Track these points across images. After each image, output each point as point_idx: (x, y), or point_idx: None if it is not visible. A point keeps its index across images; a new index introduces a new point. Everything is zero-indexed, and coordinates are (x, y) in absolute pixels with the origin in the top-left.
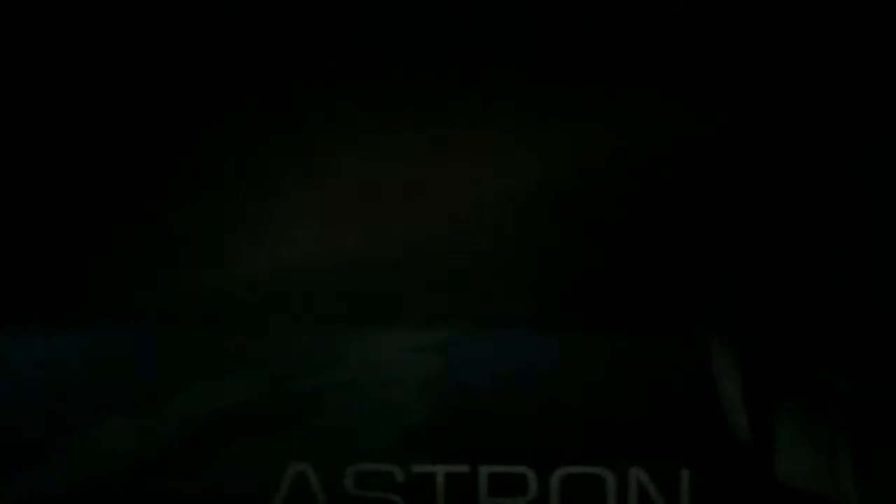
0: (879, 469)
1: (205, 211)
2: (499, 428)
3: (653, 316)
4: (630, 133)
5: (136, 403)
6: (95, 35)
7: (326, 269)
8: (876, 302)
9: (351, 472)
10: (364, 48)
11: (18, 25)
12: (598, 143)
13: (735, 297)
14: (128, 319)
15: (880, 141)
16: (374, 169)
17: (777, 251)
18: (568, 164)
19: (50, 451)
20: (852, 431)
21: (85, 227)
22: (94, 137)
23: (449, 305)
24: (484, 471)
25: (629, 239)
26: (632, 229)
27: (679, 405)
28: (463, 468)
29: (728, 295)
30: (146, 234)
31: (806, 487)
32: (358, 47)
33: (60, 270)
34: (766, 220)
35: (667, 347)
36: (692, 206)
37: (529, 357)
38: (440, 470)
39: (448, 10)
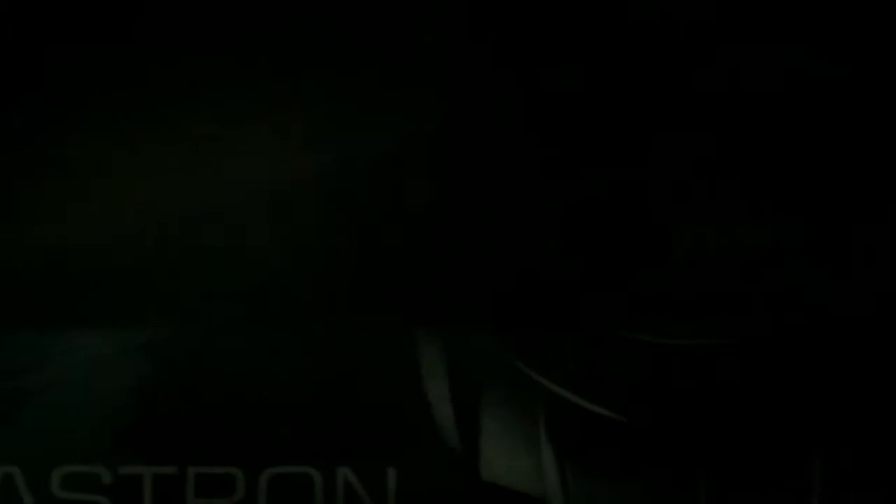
0: (580, 464)
1: None
2: (207, 429)
3: (361, 314)
4: (357, 133)
5: None
6: None
7: (37, 268)
8: (577, 300)
9: (58, 474)
10: None
11: None
12: (321, 145)
13: (441, 295)
14: None
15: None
16: (93, 164)
17: (483, 250)
18: (290, 165)
19: None
20: (553, 428)
21: None
22: None
23: (159, 306)
24: (192, 471)
25: (343, 237)
26: (347, 227)
27: (386, 404)
28: (171, 469)
29: (434, 293)
30: None
31: (511, 485)
32: None
33: None
34: (475, 221)
35: (374, 345)
36: (410, 206)
37: (238, 357)
38: (148, 471)
39: None
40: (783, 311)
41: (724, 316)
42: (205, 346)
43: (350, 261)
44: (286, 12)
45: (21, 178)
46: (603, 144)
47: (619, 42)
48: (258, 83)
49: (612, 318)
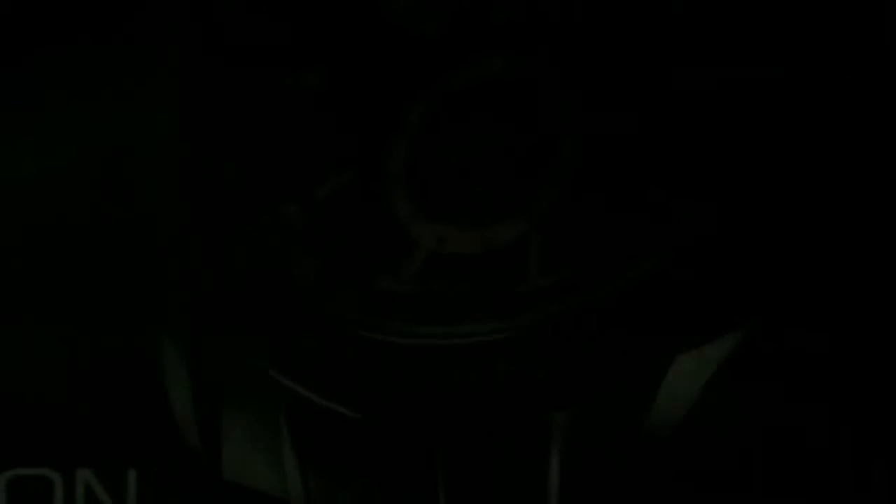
0: (322, 464)
1: None
2: None
3: (100, 314)
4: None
5: None
6: None
7: None
8: (320, 300)
9: None
10: None
11: None
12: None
13: (181, 296)
14: None
15: None
16: None
17: (223, 252)
18: (27, 162)
19: None
20: (295, 428)
21: None
22: None
23: None
24: None
25: (85, 237)
26: (90, 227)
27: (127, 405)
28: None
29: (178, 296)
30: None
31: (253, 485)
32: None
33: None
34: (216, 223)
35: (114, 346)
36: (148, 208)
37: None
38: None
39: None
40: (524, 309)
41: (467, 315)
42: None
43: (90, 261)
44: None
45: None
46: (344, 144)
47: (363, 42)
48: None
49: (355, 318)
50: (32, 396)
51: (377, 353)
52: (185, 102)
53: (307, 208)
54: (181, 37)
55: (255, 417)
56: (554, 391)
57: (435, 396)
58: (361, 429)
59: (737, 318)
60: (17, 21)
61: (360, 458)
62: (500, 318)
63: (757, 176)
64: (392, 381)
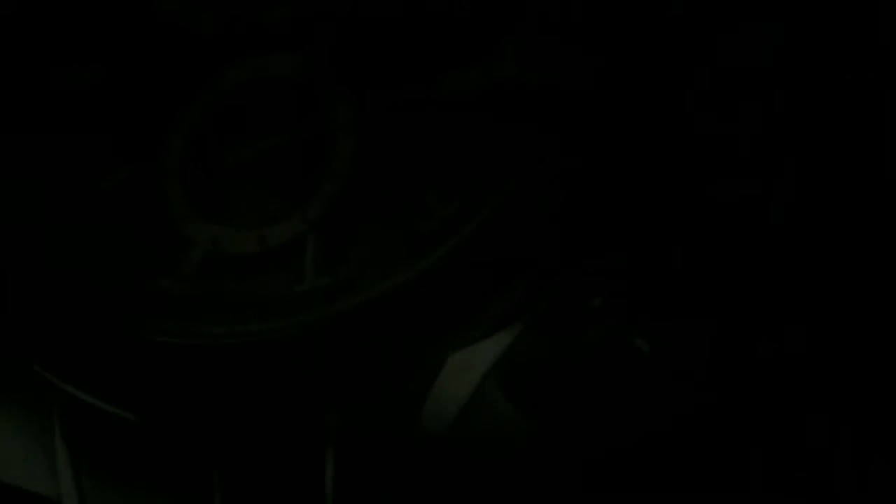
0: (95, 465)
1: None
2: None
3: None
4: None
5: None
6: None
7: None
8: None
9: None
10: None
11: None
12: None
13: None
14: None
15: None
16: None
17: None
18: None
19: None
20: (68, 429)
21: None
22: None
23: None
24: None
25: None
26: None
27: None
28: None
29: None
30: None
31: (25, 486)
32: None
33: None
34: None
35: None
36: None
37: None
38: None
39: None
40: (300, 309)
41: (243, 316)
42: None
43: None
44: None
45: None
46: (121, 141)
47: (139, 39)
48: None
49: (131, 318)
50: None
51: (152, 353)
52: None
53: (83, 205)
54: None
55: (28, 419)
56: (329, 391)
57: (210, 397)
58: (136, 429)
59: (510, 315)
60: None
61: (136, 458)
62: (276, 318)
63: (534, 176)
64: (167, 382)
